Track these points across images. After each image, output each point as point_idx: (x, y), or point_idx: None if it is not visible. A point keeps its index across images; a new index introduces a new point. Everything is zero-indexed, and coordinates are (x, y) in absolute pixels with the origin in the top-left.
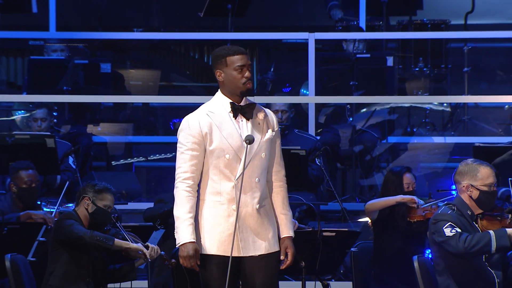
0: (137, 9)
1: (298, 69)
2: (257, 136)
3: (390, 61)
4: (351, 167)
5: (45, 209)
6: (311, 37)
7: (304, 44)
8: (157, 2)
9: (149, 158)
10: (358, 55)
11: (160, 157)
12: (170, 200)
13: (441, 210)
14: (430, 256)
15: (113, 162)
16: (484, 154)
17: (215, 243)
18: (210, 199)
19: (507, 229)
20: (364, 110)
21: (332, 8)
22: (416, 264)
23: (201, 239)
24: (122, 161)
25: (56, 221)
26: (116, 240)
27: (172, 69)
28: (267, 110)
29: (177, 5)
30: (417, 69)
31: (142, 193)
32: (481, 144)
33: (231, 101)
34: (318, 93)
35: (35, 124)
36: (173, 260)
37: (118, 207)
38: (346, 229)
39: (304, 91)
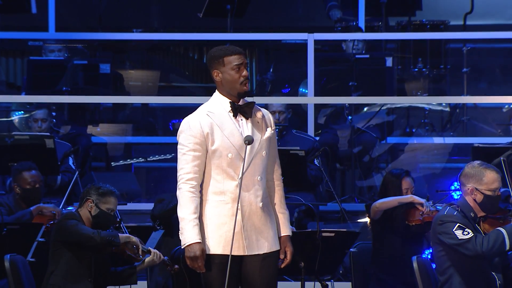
0: (136, 10)
1: (297, 70)
2: (257, 135)
3: (389, 61)
4: (350, 168)
5: None
6: (310, 38)
7: (303, 45)
8: (156, 2)
9: (148, 159)
10: (357, 56)
11: (160, 157)
12: (171, 200)
13: (447, 211)
14: (429, 256)
15: (112, 162)
16: (483, 155)
17: (220, 242)
18: (213, 199)
19: None
20: (366, 109)
21: (331, 9)
22: (415, 265)
23: (206, 239)
24: (121, 162)
25: (58, 221)
26: (120, 234)
27: (171, 69)
28: (264, 110)
29: (177, 5)
30: (416, 69)
31: (141, 193)
32: (480, 145)
33: (230, 100)
34: (317, 93)
35: (35, 125)
36: (176, 266)
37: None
38: (345, 230)
39: (303, 90)
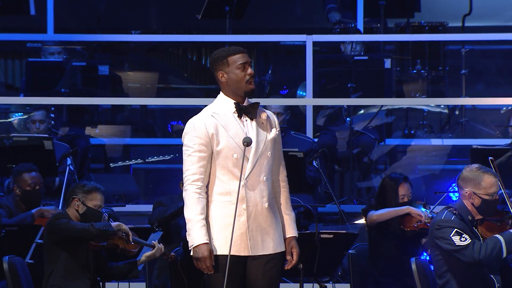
0: (135, 12)
1: (296, 72)
2: (262, 136)
3: (387, 63)
4: (348, 169)
5: None
6: (309, 40)
7: (302, 47)
8: (155, 4)
9: (147, 160)
10: (356, 57)
11: (158, 159)
12: (169, 203)
13: (444, 215)
14: (427, 258)
15: (111, 164)
16: (482, 157)
17: (227, 243)
18: (219, 200)
19: None
20: (362, 112)
21: (330, 11)
22: (414, 266)
23: (212, 240)
24: (120, 163)
25: (48, 222)
26: (112, 223)
27: (170, 71)
28: (269, 111)
29: (175, 7)
30: (414, 71)
31: (140, 195)
32: (479, 146)
33: (235, 101)
34: (316, 95)
35: (34, 126)
36: (172, 253)
37: (115, 209)
38: (344, 231)
39: (301, 93)
